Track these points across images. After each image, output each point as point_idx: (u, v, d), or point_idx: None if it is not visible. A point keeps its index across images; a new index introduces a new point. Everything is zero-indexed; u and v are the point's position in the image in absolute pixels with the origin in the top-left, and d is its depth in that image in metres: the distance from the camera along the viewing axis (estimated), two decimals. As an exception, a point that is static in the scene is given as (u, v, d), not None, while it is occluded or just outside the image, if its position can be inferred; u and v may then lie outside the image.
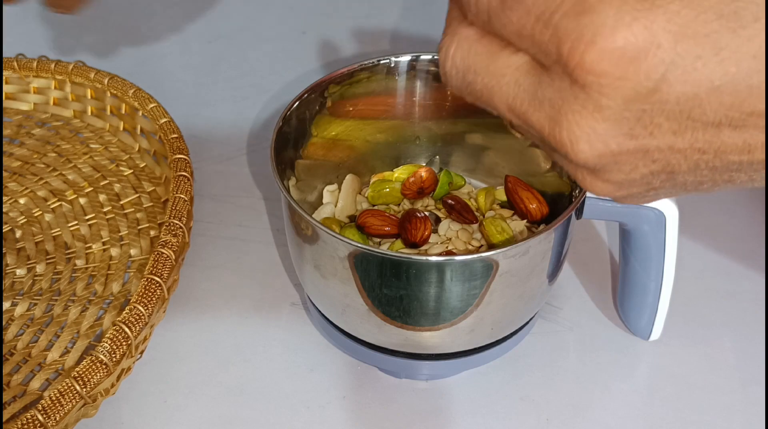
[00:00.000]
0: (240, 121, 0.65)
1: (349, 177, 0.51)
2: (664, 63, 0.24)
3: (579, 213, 0.42)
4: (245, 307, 0.51)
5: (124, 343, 0.42)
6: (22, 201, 0.57)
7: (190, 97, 0.67)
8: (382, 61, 0.49)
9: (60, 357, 0.46)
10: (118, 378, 0.44)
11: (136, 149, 0.60)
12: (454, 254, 0.44)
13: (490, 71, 0.27)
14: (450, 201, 0.48)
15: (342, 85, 0.48)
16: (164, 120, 0.55)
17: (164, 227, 0.47)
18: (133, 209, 0.55)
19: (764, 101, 0.24)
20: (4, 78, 0.63)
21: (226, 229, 0.56)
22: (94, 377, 0.41)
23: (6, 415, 0.43)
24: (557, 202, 0.47)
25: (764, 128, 0.24)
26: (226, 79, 0.69)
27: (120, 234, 0.54)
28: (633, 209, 0.42)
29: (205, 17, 0.77)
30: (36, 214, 0.56)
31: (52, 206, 0.56)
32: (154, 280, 0.44)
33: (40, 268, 0.52)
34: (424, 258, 0.39)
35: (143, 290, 0.44)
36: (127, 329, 0.42)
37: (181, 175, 0.50)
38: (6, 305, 0.49)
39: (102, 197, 0.56)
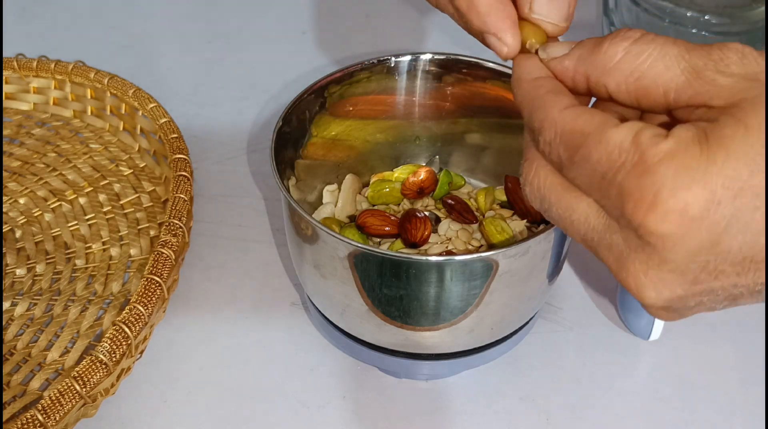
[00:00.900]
0: (240, 121, 0.64)
1: (349, 177, 0.51)
2: (725, 218, 0.25)
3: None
4: (245, 307, 0.51)
5: (123, 343, 0.42)
6: (22, 201, 0.57)
7: (190, 97, 0.67)
8: (382, 61, 0.49)
9: (60, 357, 0.46)
10: (118, 378, 0.44)
11: (136, 149, 0.60)
12: (454, 254, 0.44)
13: (562, 205, 0.29)
14: (450, 201, 0.48)
15: (342, 85, 0.48)
16: (164, 120, 0.55)
17: (164, 227, 0.47)
18: (133, 209, 0.55)
19: None
20: (4, 78, 0.63)
21: (226, 229, 0.56)
22: (94, 377, 0.41)
23: (6, 415, 0.43)
24: (557, 202, 0.47)
25: None
26: (226, 79, 0.69)
27: (120, 234, 0.54)
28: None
29: (205, 17, 0.77)
30: (36, 214, 0.56)
31: (52, 206, 0.56)
32: (154, 279, 0.44)
33: (40, 268, 0.52)
34: (424, 258, 0.39)
35: (143, 290, 0.44)
36: (126, 329, 0.42)
37: (181, 175, 0.50)
38: (6, 305, 0.49)
39: (102, 197, 0.56)
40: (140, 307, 0.43)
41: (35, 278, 0.51)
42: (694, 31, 0.61)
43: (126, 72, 0.61)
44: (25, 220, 0.55)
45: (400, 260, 0.39)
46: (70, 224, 0.55)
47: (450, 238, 0.47)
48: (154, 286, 0.44)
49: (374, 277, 0.40)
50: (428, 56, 0.49)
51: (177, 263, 0.46)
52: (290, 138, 0.46)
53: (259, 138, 0.63)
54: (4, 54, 0.65)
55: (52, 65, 0.61)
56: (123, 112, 0.60)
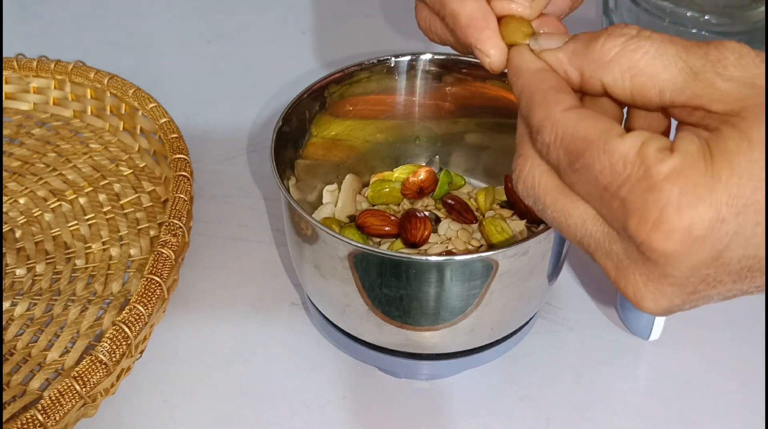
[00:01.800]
0: (240, 121, 0.64)
1: (348, 177, 0.51)
2: (728, 235, 0.25)
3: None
4: (245, 307, 0.51)
5: (123, 343, 0.42)
6: (21, 201, 0.57)
7: (190, 97, 0.67)
8: (382, 61, 0.49)
9: (60, 357, 0.46)
10: (118, 378, 0.44)
11: (136, 149, 0.60)
12: (454, 254, 0.44)
13: (557, 208, 0.29)
14: (450, 201, 0.48)
15: (342, 85, 0.48)
16: (164, 120, 0.55)
17: (164, 227, 0.47)
18: (132, 209, 0.55)
19: None
20: (4, 78, 0.63)
21: (226, 229, 0.56)
22: (94, 377, 0.40)
23: (6, 415, 0.43)
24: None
25: None
26: (226, 79, 0.69)
27: (120, 234, 0.54)
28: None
29: (205, 17, 0.77)
30: (36, 214, 0.56)
31: (52, 206, 0.56)
32: (153, 279, 0.44)
33: (39, 268, 0.52)
34: (423, 258, 0.39)
35: (143, 290, 0.44)
36: (126, 329, 0.42)
37: (181, 175, 0.50)
38: (6, 305, 0.49)
39: (102, 197, 0.56)
40: (140, 307, 0.43)
41: (35, 278, 0.51)
42: (694, 31, 0.61)
43: (126, 72, 0.61)
44: (25, 220, 0.55)
45: (400, 260, 0.39)
46: (70, 224, 0.55)
47: (450, 238, 0.47)
48: (154, 286, 0.44)
49: (374, 277, 0.39)
50: (428, 56, 0.49)
51: (177, 263, 0.46)
52: (290, 138, 0.46)
53: (259, 138, 0.63)
54: (4, 54, 0.65)
55: (52, 65, 0.61)
56: (123, 112, 0.60)
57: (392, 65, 0.49)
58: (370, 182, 0.51)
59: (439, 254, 0.45)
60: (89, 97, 0.62)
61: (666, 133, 0.31)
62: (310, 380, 0.47)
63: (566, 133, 0.28)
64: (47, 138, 0.61)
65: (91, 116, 0.62)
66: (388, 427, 0.44)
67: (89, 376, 0.40)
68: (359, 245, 0.39)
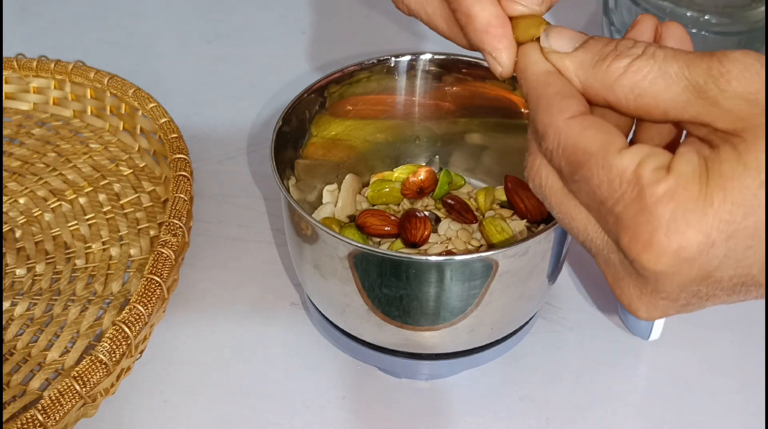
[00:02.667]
0: (240, 121, 0.64)
1: (348, 177, 0.51)
2: (718, 258, 0.26)
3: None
4: (245, 307, 0.51)
5: (123, 343, 0.42)
6: (21, 201, 0.57)
7: (190, 97, 0.67)
8: (382, 61, 0.49)
9: (60, 357, 0.46)
10: (118, 378, 0.44)
11: (136, 149, 0.60)
12: (454, 254, 0.44)
13: (562, 210, 0.29)
14: (450, 201, 0.48)
15: (342, 85, 0.48)
16: (164, 120, 0.55)
17: (164, 227, 0.47)
18: (132, 209, 0.55)
19: None
20: (4, 78, 0.63)
21: (226, 229, 0.56)
22: (94, 377, 0.40)
23: (6, 415, 0.43)
24: (557, 202, 0.47)
25: None
26: (226, 79, 0.69)
27: (120, 234, 0.54)
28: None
29: (205, 17, 0.77)
30: (36, 214, 0.56)
31: (52, 206, 0.56)
32: (153, 279, 0.44)
33: (39, 268, 0.52)
34: (423, 258, 0.39)
35: (143, 290, 0.44)
36: (126, 329, 0.42)
37: (181, 175, 0.50)
38: (6, 305, 0.49)
39: (102, 197, 0.56)
40: (140, 307, 0.43)
41: (35, 278, 0.51)
42: (694, 31, 0.61)
43: (126, 72, 0.61)
44: (25, 220, 0.55)
45: (400, 260, 0.39)
46: (70, 224, 0.55)
47: (450, 238, 0.47)
48: (154, 286, 0.44)
49: (374, 277, 0.39)
50: (428, 56, 0.49)
51: (177, 263, 0.46)
52: (290, 138, 0.46)
53: (259, 138, 0.63)
54: (4, 54, 0.65)
55: (52, 65, 0.61)
56: (123, 112, 0.60)
57: (392, 65, 0.49)
58: (370, 182, 0.51)
59: (439, 254, 0.45)
60: (89, 97, 0.62)
61: (676, 141, 0.31)
62: (310, 380, 0.47)
63: (568, 143, 0.28)
64: (47, 138, 0.61)
65: (91, 116, 0.62)
66: (388, 427, 0.44)
67: (89, 376, 0.40)
68: (359, 245, 0.39)
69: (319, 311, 0.46)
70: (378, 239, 0.47)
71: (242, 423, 0.45)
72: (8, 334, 0.48)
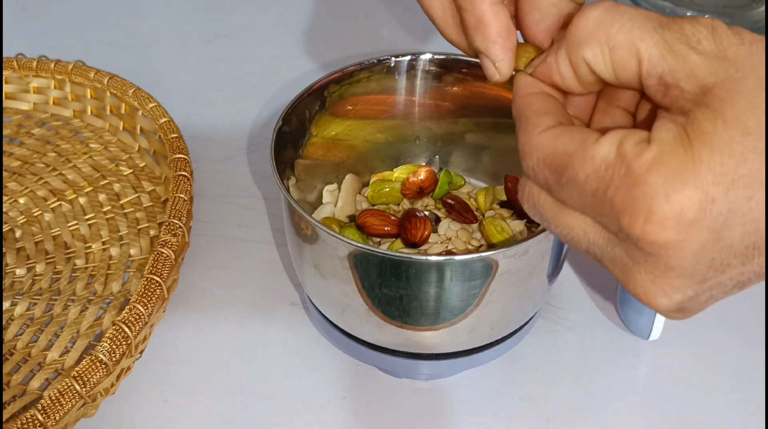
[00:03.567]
0: (240, 121, 0.64)
1: (348, 177, 0.51)
2: (722, 214, 0.25)
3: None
4: (245, 307, 0.51)
5: (123, 343, 0.42)
6: (21, 201, 0.57)
7: (190, 97, 0.67)
8: (382, 61, 0.49)
9: (60, 357, 0.46)
10: (118, 378, 0.44)
11: (136, 149, 0.60)
12: (454, 254, 0.44)
13: (560, 223, 0.29)
14: (450, 201, 0.48)
15: (342, 85, 0.48)
16: (164, 120, 0.55)
17: (164, 227, 0.47)
18: (132, 209, 0.55)
19: None
20: (4, 78, 0.63)
21: (226, 229, 0.56)
22: (94, 377, 0.40)
23: (6, 415, 0.43)
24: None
25: None
26: (226, 79, 0.69)
27: (120, 233, 0.54)
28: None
29: (205, 17, 0.77)
30: (36, 214, 0.56)
31: (52, 206, 0.56)
32: (153, 279, 0.44)
33: (39, 268, 0.52)
34: (423, 258, 0.39)
35: (143, 290, 0.44)
36: (126, 329, 0.42)
37: (181, 175, 0.50)
38: (6, 305, 0.49)
39: (102, 197, 0.56)
40: (140, 307, 0.43)
41: (35, 278, 0.51)
42: (694, 31, 0.61)
43: (126, 72, 0.61)
44: (25, 220, 0.55)
45: (400, 260, 0.39)
46: (70, 224, 0.55)
47: (450, 238, 0.47)
48: (154, 286, 0.44)
49: (374, 276, 0.39)
50: (428, 56, 0.49)
51: (177, 263, 0.46)
52: (290, 138, 0.46)
53: (259, 138, 0.63)
54: (4, 54, 0.65)
55: (52, 65, 0.61)
56: (123, 111, 0.60)
57: (392, 65, 0.49)
58: (370, 182, 0.51)
59: (439, 254, 0.45)
60: (89, 96, 0.62)
61: (644, 121, 0.31)
62: (310, 380, 0.47)
63: (546, 152, 0.28)
64: (47, 138, 0.61)
65: (91, 116, 0.62)
66: (388, 427, 0.44)
67: (89, 376, 0.40)
68: (359, 245, 0.39)
69: (319, 311, 0.46)
70: (378, 239, 0.47)
71: (242, 423, 0.45)
72: (8, 334, 0.48)
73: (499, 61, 0.33)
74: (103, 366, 0.41)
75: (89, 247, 0.53)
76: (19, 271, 0.52)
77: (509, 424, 0.44)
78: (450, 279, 0.39)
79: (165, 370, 0.47)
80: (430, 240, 0.47)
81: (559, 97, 0.32)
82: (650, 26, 0.27)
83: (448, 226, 0.47)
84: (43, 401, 0.39)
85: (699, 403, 0.45)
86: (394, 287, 0.39)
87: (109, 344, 0.41)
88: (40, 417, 0.39)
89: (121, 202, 0.56)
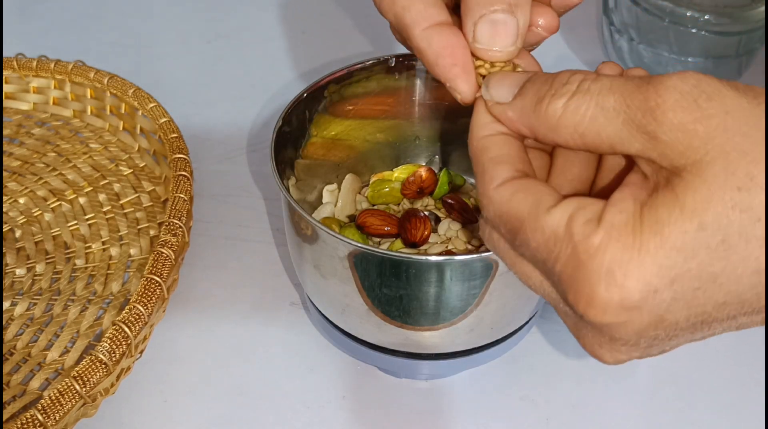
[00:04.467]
0: (240, 121, 0.64)
1: (348, 177, 0.51)
2: (665, 302, 0.25)
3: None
4: (245, 307, 0.51)
5: (123, 343, 0.42)
6: (21, 201, 0.57)
7: (190, 97, 0.67)
8: (382, 61, 0.49)
9: (60, 357, 0.46)
10: (118, 378, 0.44)
11: (136, 149, 0.60)
12: (454, 254, 0.44)
13: (517, 270, 0.29)
14: (450, 200, 0.48)
15: (342, 85, 0.48)
16: (164, 119, 0.55)
17: (164, 227, 0.47)
18: (132, 209, 0.55)
19: None
20: (4, 78, 0.63)
21: (226, 229, 0.56)
22: (94, 377, 0.40)
23: (6, 415, 0.43)
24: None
25: None
26: (226, 79, 0.69)
27: (120, 233, 0.54)
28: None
29: (205, 17, 0.77)
30: (36, 214, 0.56)
31: (52, 206, 0.56)
32: (153, 279, 0.44)
33: (39, 268, 0.52)
34: (423, 258, 0.39)
35: (143, 290, 0.44)
36: (126, 329, 0.42)
37: (181, 175, 0.50)
38: (6, 305, 0.49)
39: (102, 197, 0.56)
40: (140, 307, 0.43)
41: (35, 278, 0.51)
42: (694, 30, 0.61)
43: (126, 72, 0.61)
44: (25, 219, 0.55)
45: (400, 260, 0.39)
46: (69, 224, 0.55)
47: (450, 238, 0.47)
48: (153, 286, 0.44)
49: (374, 276, 0.39)
50: (428, 56, 0.49)
51: (177, 263, 0.46)
52: (290, 138, 0.46)
53: (259, 138, 0.63)
54: (4, 54, 0.65)
55: (52, 65, 0.61)
56: (123, 111, 0.60)
57: (392, 65, 0.49)
58: (370, 182, 0.51)
59: (439, 254, 0.45)
60: (89, 96, 0.62)
61: (613, 170, 0.31)
62: (310, 380, 0.47)
63: (501, 210, 0.28)
64: (47, 138, 0.61)
65: (91, 116, 0.62)
66: (388, 427, 0.44)
67: (89, 376, 0.40)
68: (359, 245, 0.39)
69: (319, 311, 0.46)
70: (378, 239, 0.47)
71: (242, 423, 0.45)
72: (8, 334, 0.48)
73: (450, 81, 0.31)
74: (103, 366, 0.41)
75: (89, 247, 0.53)
76: (19, 271, 0.52)
77: (509, 424, 0.44)
78: (450, 279, 0.39)
79: (165, 370, 0.47)
80: (430, 240, 0.47)
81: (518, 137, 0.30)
82: (613, 103, 0.26)
83: (448, 226, 0.47)
84: (43, 401, 0.39)
85: (699, 403, 0.45)
86: (394, 287, 0.39)
87: (109, 344, 0.41)
88: (40, 417, 0.39)
89: (121, 202, 0.56)
